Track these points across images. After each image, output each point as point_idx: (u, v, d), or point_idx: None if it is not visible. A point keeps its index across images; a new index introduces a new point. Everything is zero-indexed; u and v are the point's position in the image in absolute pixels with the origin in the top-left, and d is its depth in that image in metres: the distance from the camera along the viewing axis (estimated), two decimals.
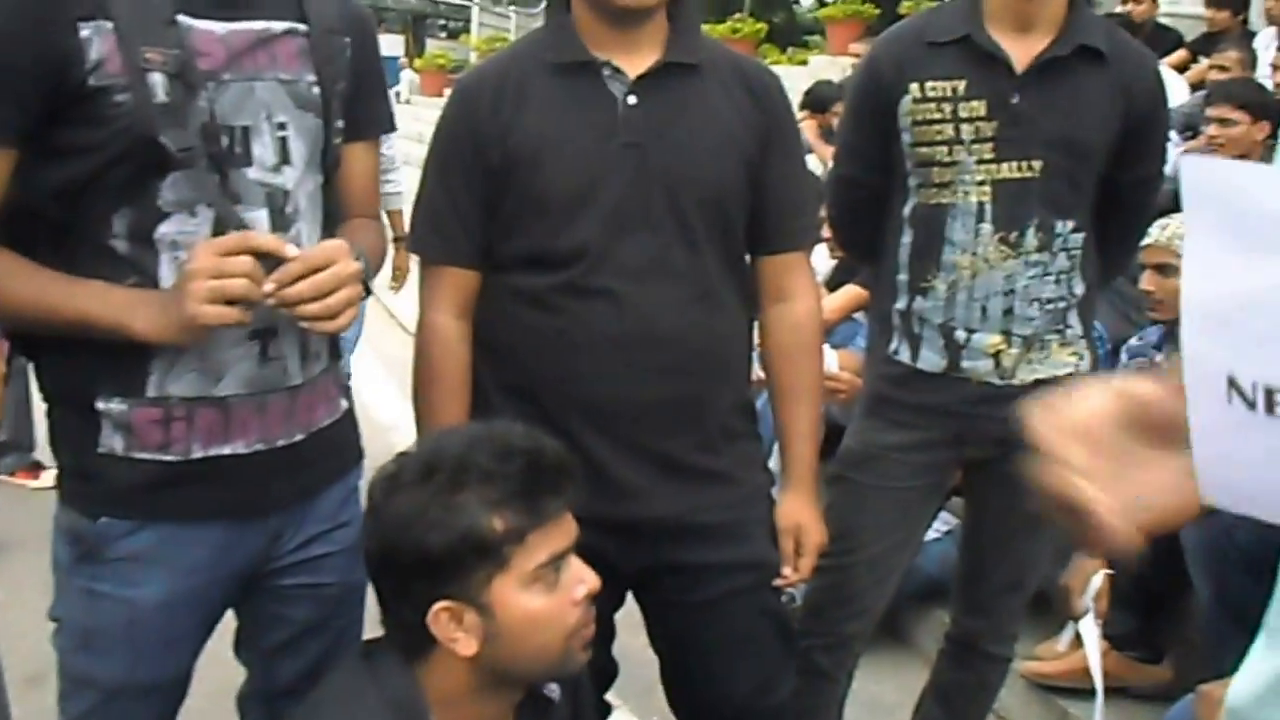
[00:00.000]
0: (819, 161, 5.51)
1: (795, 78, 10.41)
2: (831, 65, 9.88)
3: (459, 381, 1.88)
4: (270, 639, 1.70)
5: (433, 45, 23.96)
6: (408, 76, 19.82)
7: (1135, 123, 2.13)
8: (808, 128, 6.26)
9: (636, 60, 1.80)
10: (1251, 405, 0.71)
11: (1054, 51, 2.07)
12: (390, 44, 23.80)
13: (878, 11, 10.52)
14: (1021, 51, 2.08)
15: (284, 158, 1.51)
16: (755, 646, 1.95)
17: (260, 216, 1.49)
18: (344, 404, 1.71)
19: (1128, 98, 2.11)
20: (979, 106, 2.09)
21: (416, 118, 12.58)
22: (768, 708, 1.98)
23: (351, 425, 1.74)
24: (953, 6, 2.19)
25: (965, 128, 2.10)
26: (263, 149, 1.49)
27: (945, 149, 2.12)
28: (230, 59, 1.46)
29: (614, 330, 1.78)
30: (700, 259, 1.82)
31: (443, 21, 27.06)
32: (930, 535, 3.06)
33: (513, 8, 20.37)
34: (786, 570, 1.96)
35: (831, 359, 3.12)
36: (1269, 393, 0.70)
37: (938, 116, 2.11)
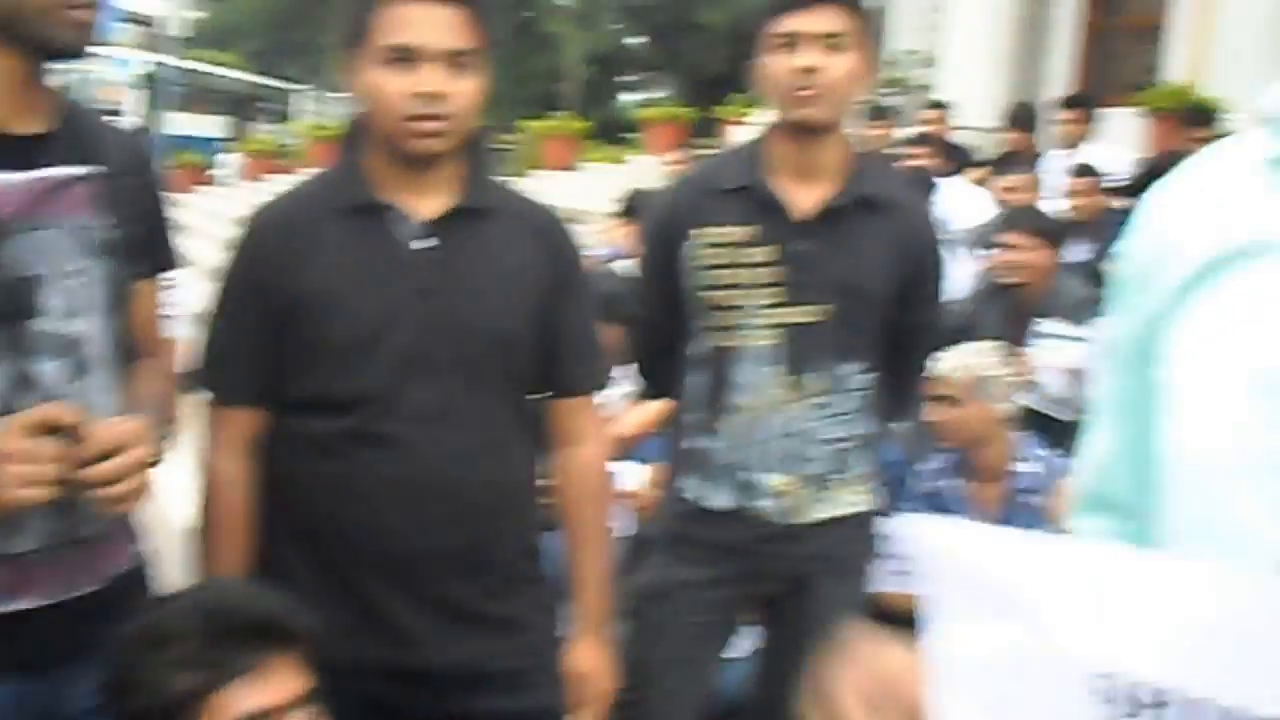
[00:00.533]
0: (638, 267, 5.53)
1: (614, 175, 10.58)
2: (649, 166, 10.08)
3: (239, 526, 1.83)
4: None
5: (257, 129, 23.61)
6: (230, 159, 19.44)
7: (912, 271, 2.21)
8: (624, 234, 6.30)
9: (427, 204, 1.80)
10: None
11: (834, 201, 2.13)
12: (213, 125, 23.37)
13: (695, 115, 10.81)
14: (804, 200, 2.14)
15: (76, 306, 1.48)
16: None
17: (53, 368, 1.46)
18: (138, 551, 1.67)
19: (905, 247, 2.19)
20: (763, 253, 2.14)
21: (238, 201, 12.30)
22: None
23: (145, 573, 1.69)
24: (737, 155, 2.26)
25: (750, 273, 2.14)
26: (54, 298, 1.46)
27: (732, 294, 2.15)
28: (19, 209, 1.43)
29: (398, 478, 1.76)
30: (488, 405, 1.81)
31: (267, 105, 26.69)
32: (735, 654, 3.04)
33: (336, 95, 20.25)
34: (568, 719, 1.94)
35: (635, 476, 3.09)
36: None
37: (724, 263, 2.15)
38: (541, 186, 13.03)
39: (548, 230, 1.90)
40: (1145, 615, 0.67)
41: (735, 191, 2.16)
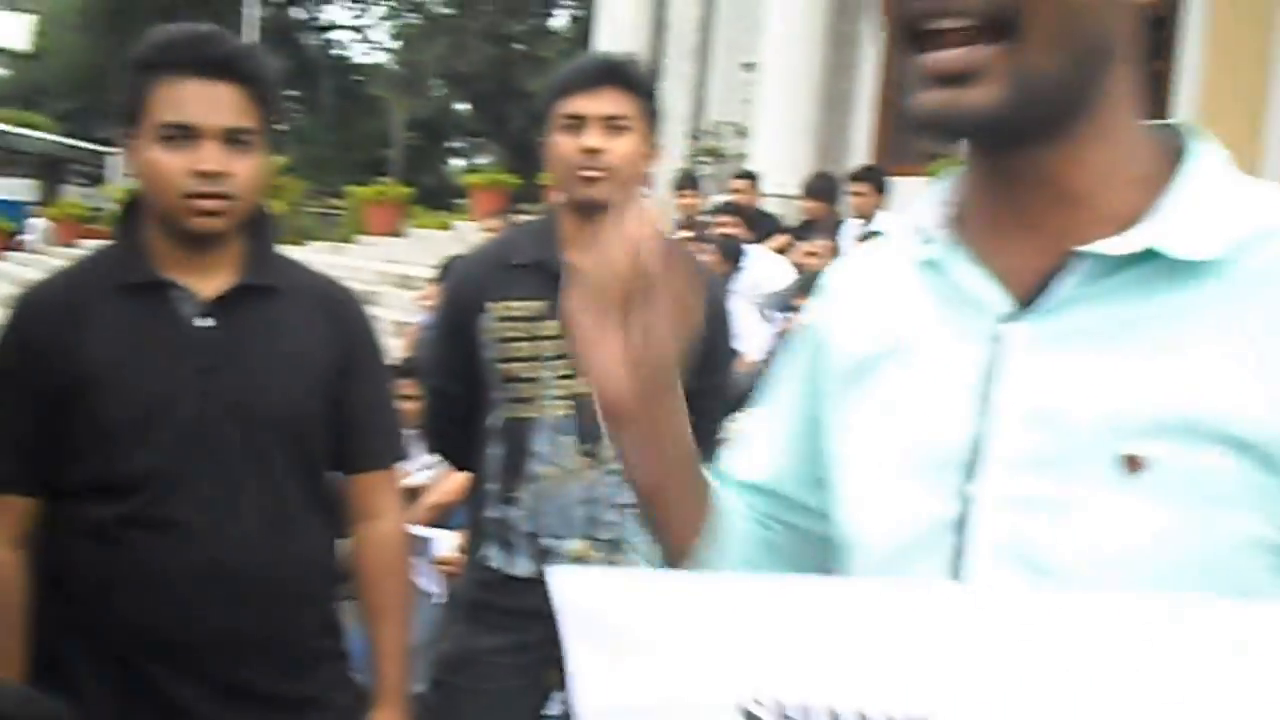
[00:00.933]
0: None
1: (440, 242, 10.64)
2: (474, 231, 10.19)
3: (12, 619, 1.77)
4: None
5: (69, 191, 22.77)
6: (39, 224, 18.70)
7: (704, 338, 2.34)
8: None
9: (210, 282, 1.79)
10: None
11: None
12: (22, 189, 22.44)
13: (519, 181, 10.99)
14: None
15: None
16: None
17: None
18: None
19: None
20: (556, 326, 2.19)
21: (47, 268, 11.85)
22: None
23: None
24: (530, 230, 2.34)
25: (544, 346, 2.21)
26: None
27: (526, 366, 2.22)
28: None
29: (182, 564, 1.73)
30: (275, 485, 1.81)
31: (80, 167, 25.80)
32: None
33: None
34: None
35: (448, 543, 3.17)
36: None
37: (518, 335, 2.22)
38: (368, 252, 12.99)
39: (337, 305, 1.91)
40: (781, 636, 0.69)
41: (528, 266, 2.22)
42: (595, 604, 0.74)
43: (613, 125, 2.16)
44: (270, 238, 1.90)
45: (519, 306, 2.24)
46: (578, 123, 2.17)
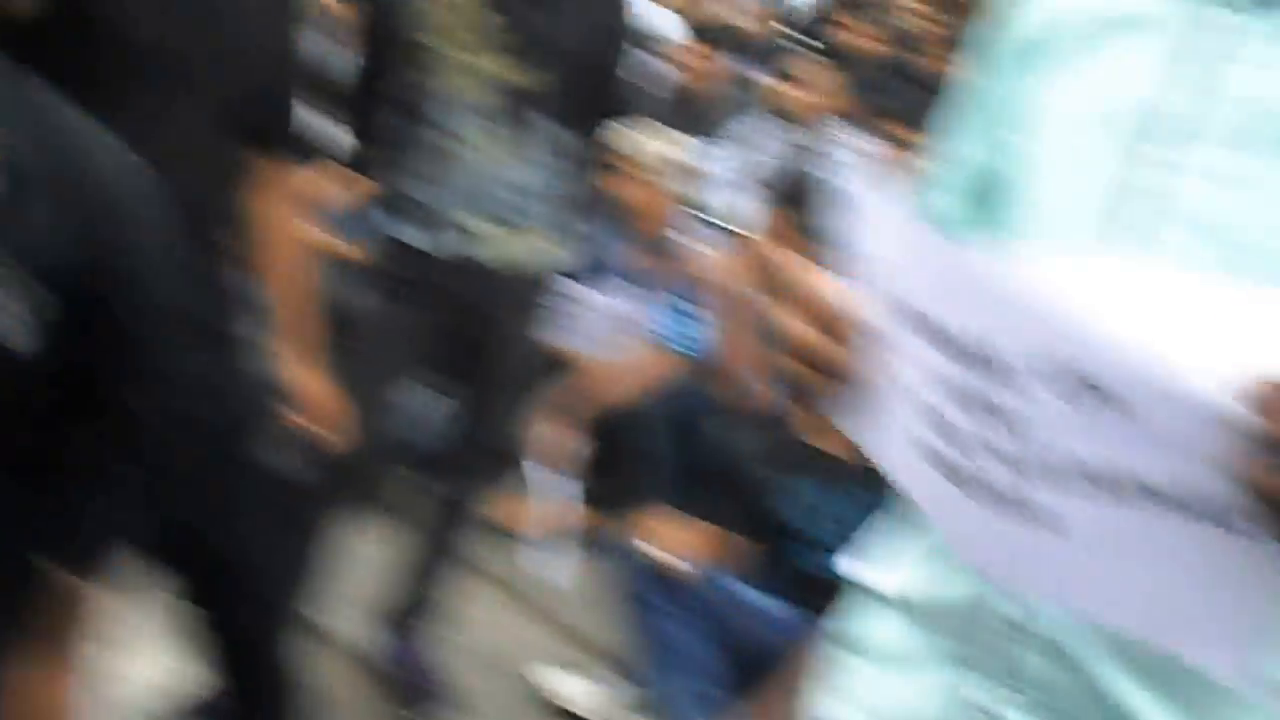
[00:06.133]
0: None
1: None
2: None
3: None
4: None
5: None
6: None
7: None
8: None
9: None
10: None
11: None
12: None
13: None
14: None
15: None
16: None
17: None
18: None
19: (598, 19, 2.49)
20: (477, 8, 2.34)
21: None
22: None
23: None
24: None
25: (464, 27, 2.35)
26: None
27: (445, 44, 2.36)
28: None
29: None
30: None
31: None
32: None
33: None
34: None
35: None
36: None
37: (443, 14, 2.35)
38: None
39: None
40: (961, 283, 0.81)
41: None
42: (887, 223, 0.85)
43: None
44: None
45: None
46: None
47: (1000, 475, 0.82)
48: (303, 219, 2.10)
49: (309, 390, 2.11)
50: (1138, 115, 0.93)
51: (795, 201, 2.99)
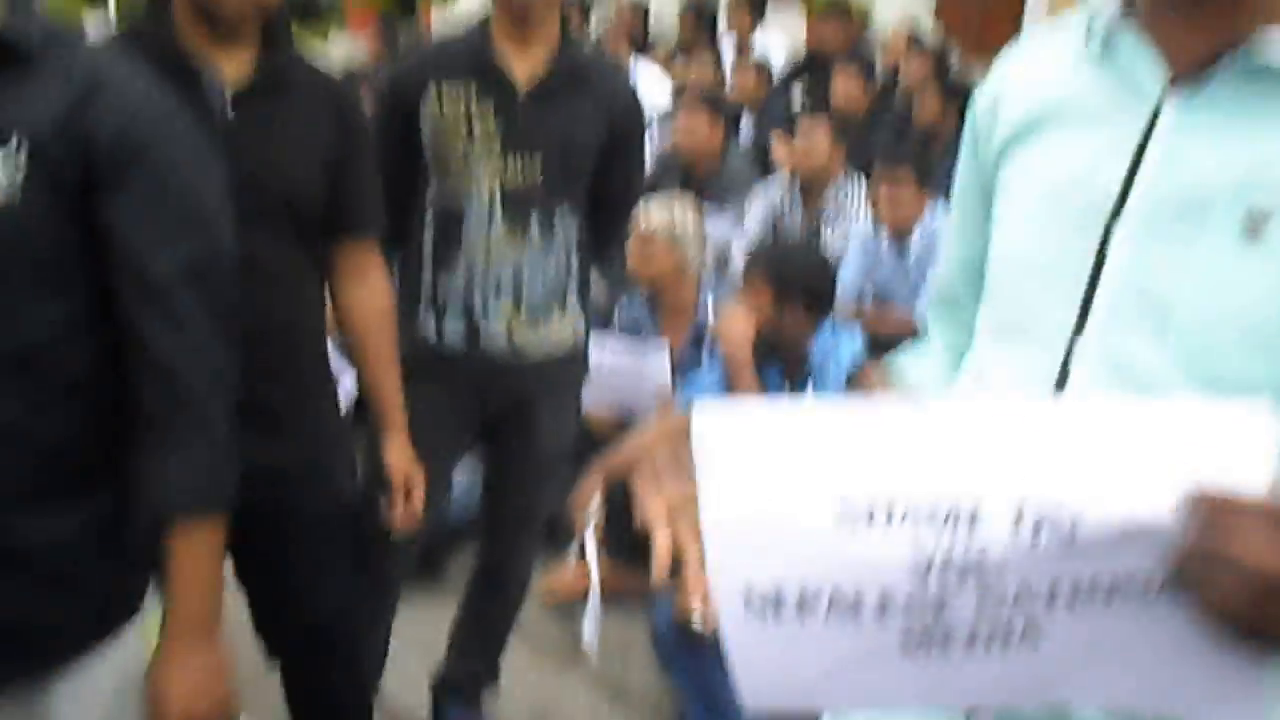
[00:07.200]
0: None
1: (313, 53, 10.36)
2: (350, 43, 10.02)
3: None
4: None
5: None
6: None
7: (619, 129, 2.64)
8: None
9: (230, 69, 1.95)
10: (767, 612, 0.85)
11: (549, 69, 2.52)
12: None
13: None
14: (523, 68, 2.52)
15: None
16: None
17: None
18: None
19: (611, 110, 2.61)
20: (488, 112, 2.50)
21: None
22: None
23: None
24: (467, 30, 2.59)
25: (477, 131, 2.50)
26: None
27: (461, 149, 2.51)
28: None
29: None
30: (283, 251, 2.04)
31: None
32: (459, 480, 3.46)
33: None
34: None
35: None
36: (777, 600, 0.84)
37: (454, 120, 2.50)
38: None
39: (338, 99, 2.12)
40: (865, 448, 0.83)
41: (465, 59, 2.50)
42: (728, 431, 0.85)
43: None
44: (286, 34, 2.06)
45: (455, 91, 2.51)
46: None
47: (964, 618, 0.85)
48: (382, 298, 2.29)
49: (397, 464, 2.31)
50: (1071, 196, 1.05)
51: (775, 270, 3.15)
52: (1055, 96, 1.09)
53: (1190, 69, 1.00)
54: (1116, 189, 1.02)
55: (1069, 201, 1.05)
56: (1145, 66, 1.02)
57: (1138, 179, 1.01)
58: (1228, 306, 0.95)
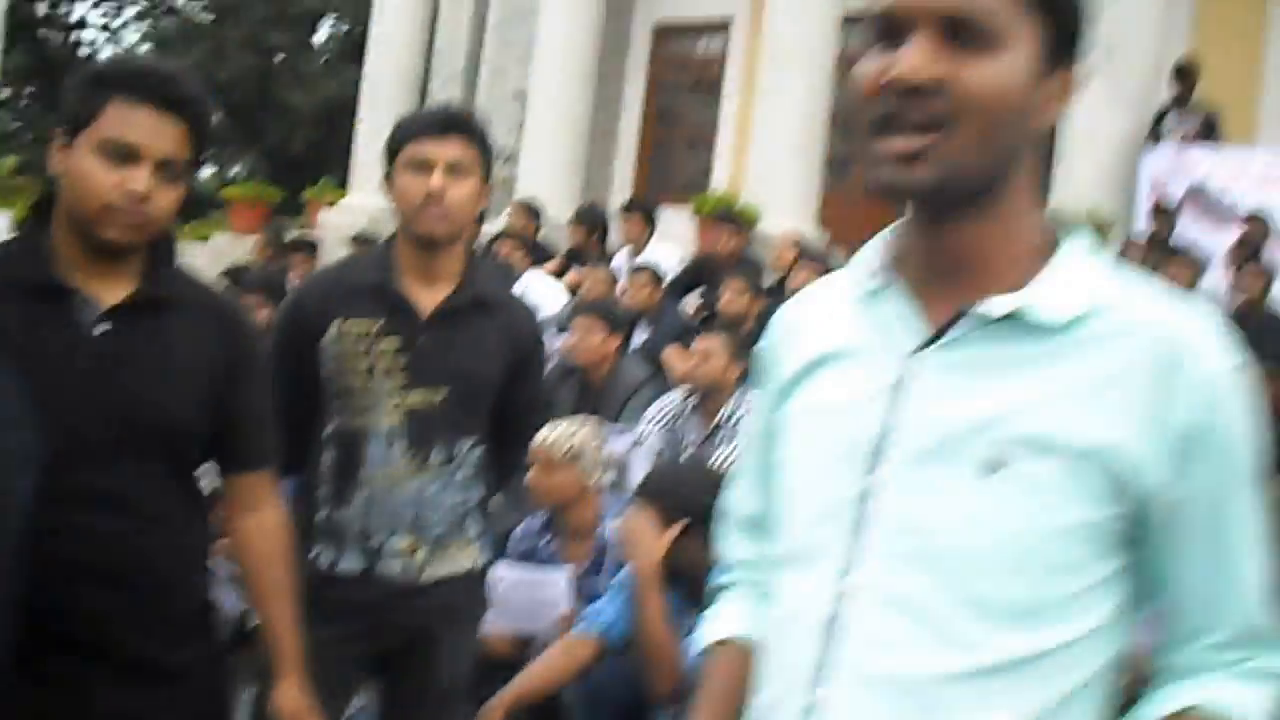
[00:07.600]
0: None
1: (197, 253, 10.38)
2: (234, 243, 10.03)
3: None
4: None
5: None
6: None
7: (519, 358, 2.62)
8: None
9: (109, 291, 1.90)
10: None
11: (453, 301, 2.50)
12: None
13: (281, 194, 10.87)
14: (426, 299, 2.49)
15: None
16: None
17: None
18: None
19: (513, 339, 2.60)
20: (391, 344, 2.46)
21: None
22: None
23: None
24: (370, 257, 2.58)
25: (380, 361, 2.46)
26: None
27: (362, 379, 2.46)
28: None
29: (66, 561, 1.84)
30: (156, 487, 1.95)
31: None
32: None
33: None
34: None
35: None
36: None
37: (356, 351, 2.46)
38: None
39: (226, 319, 2.05)
40: None
41: (368, 289, 2.47)
42: None
43: (456, 170, 2.43)
44: (171, 253, 2.03)
45: (359, 325, 2.47)
46: (424, 165, 2.42)
47: None
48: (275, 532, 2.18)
49: (287, 708, 2.15)
50: (839, 434, 1.17)
51: (671, 496, 3.07)
52: (829, 339, 1.21)
53: (941, 323, 1.14)
54: (876, 429, 1.13)
55: (837, 438, 1.17)
56: (905, 319, 1.16)
57: (896, 421, 1.13)
58: (979, 536, 1.08)
